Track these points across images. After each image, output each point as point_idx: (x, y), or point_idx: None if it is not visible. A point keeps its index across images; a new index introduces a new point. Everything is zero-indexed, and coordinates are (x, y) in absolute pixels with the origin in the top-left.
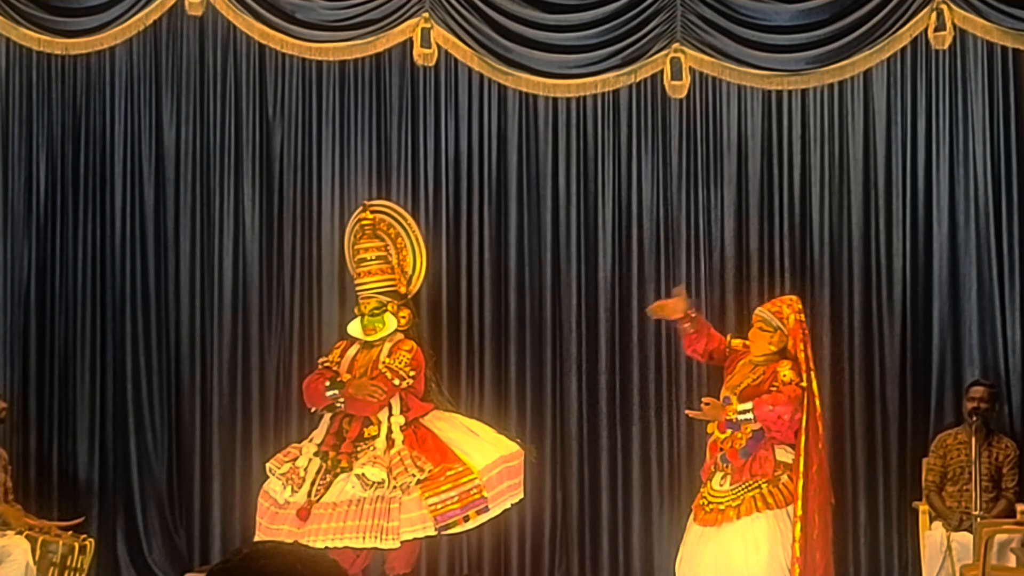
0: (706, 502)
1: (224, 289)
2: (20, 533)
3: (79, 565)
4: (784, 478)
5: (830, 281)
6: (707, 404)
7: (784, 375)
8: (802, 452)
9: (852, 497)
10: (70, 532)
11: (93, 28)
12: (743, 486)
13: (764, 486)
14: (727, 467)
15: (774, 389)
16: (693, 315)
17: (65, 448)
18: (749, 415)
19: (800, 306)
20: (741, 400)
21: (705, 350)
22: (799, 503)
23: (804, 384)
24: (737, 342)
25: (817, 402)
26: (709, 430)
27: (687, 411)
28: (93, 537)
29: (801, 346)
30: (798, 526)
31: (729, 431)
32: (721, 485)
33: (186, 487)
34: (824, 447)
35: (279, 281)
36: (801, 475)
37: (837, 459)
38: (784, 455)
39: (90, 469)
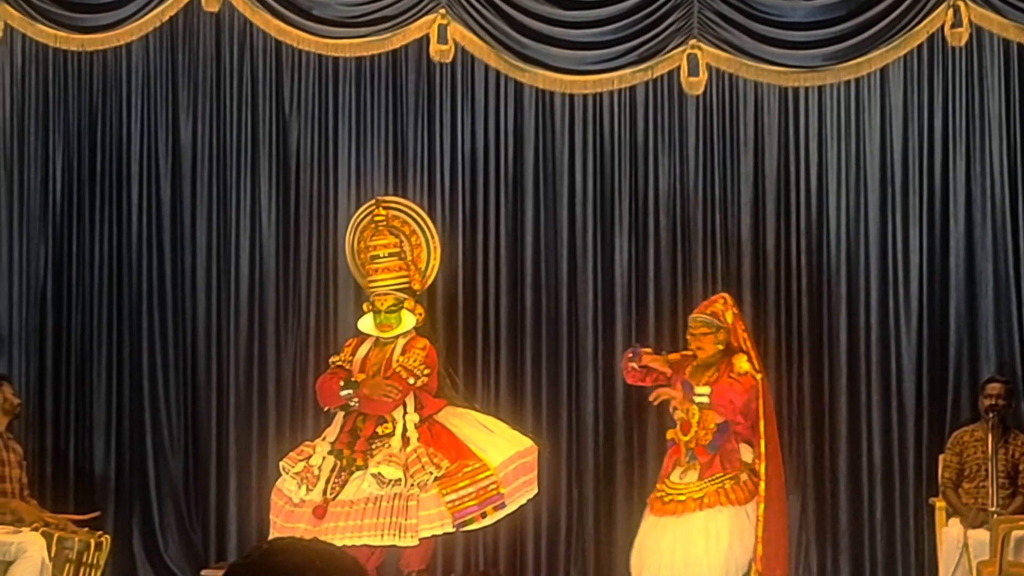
0: (664, 494)
1: (240, 286)
2: (36, 530)
3: (95, 561)
4: (744, 476)
5: (846, 278)
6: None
7: (741, 366)
8: (762, 449)
9: (869, 493)
10: (86, 528)
11: (109, 24)
12: (709, 480)
13: (728, 482)
14: (694, 463)
15: (732, 378)
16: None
17: (81, 445)
18: (705, 399)
19: (733, 301)
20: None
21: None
22: (762, 506)
23: (760, 375)
24: (674, 356)
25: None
26: (669, 436)
27: (658, 392)
28: (109, 533)
29: (744, 336)
30: (760, 525)
31: (692, 432)
32: (682, 478)
33: (202, 483)
34: (775, 446)
35: (295, 278)
36: (762, 476)
37: (854, 455)
38: (745, 454)
39: (106, 466)
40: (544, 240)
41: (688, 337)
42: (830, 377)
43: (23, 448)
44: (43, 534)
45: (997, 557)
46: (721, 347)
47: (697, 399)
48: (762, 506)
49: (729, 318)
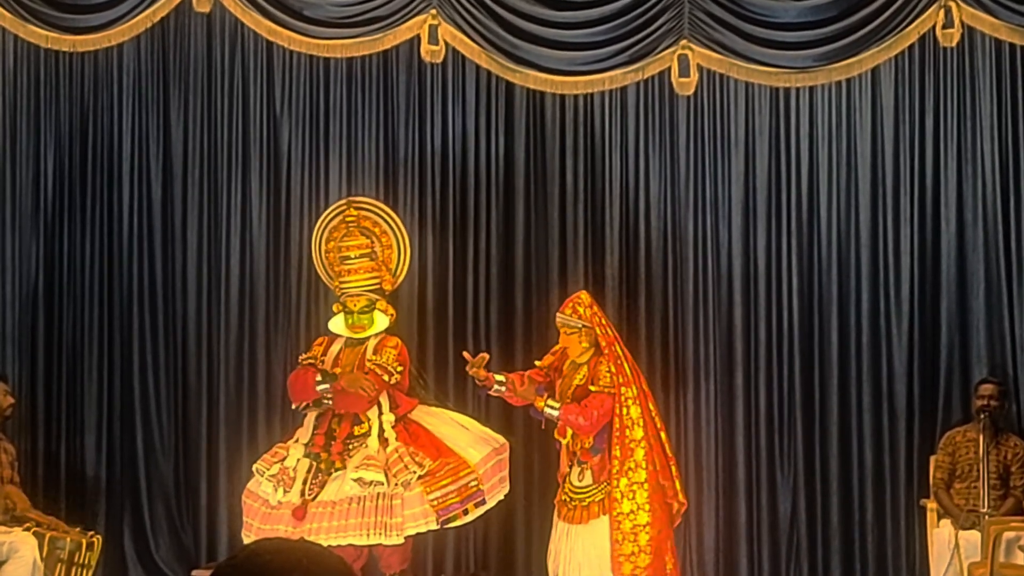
0: (568, 498)
1: (231, 286)
2: (28, 530)
3: (86, 561)
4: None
5: (838, 279)
6: (521, 385)
7: (601, 379)
8: (610, 455)
9: (860, 494)
10: (78, 528)
11: (101, 25)
12: (606, 483)
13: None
14: (584, 466)
15: (592, 390)
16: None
17: (73, 444)
18: (555, 412)
19: (590, 299)
20: (574, 399)
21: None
22: (615, 525)
23: (613, 390)
24: (549, 358)
25: (636, 385)
26: (557, 436)
27: (494, 378)
28: (100, 533)
29: (599, 331)
30: (615, 547)
31: (569, 435)
32: (580, 480)
33: (193, 484)
34: (653, 444)
35: (286, 278)
36: (616, 496)
37: (845, 456)
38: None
39: (97, 465)
40: (535, 240)
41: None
42: (821, 378)
43: (16, 448)
44: (35, 534)
45: (988, 558)
46: (586, 345)
47: (548, 410)
48: (616, 515)
49: (588, 315)
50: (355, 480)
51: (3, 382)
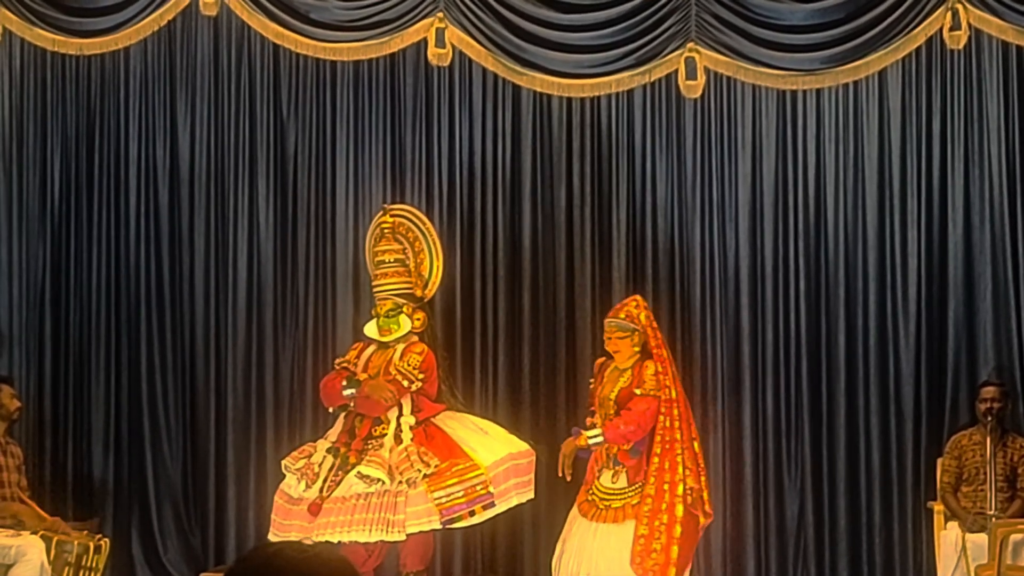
0: (598, 498)
1: (238, 289)
2: (35, 533)
3: (94, 565)
4: None
5: (845, 281)
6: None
7: (646, 382)
8: (655, 463)
9: (867, 497)
10: (85, 532)
11: (108, 28)
12: (642, 484)
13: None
14: (620, 468)
15: (637, 393)
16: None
17: (80, 448)
18: (599, 439)
19: (645, 303)
20: (618, 402)
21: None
22: (643, 520)
23: (661, 394)
24: (593, 383)
25: (676, 396)
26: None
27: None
28: (108, 537)
29: (654, 342)
30: (640, 543)
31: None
32: (614, 482)
33: (201, 487)
34: (687, 449)
35: (293, 281)
36: (650, 492)
37: (852, 459)
38: None
39: (105, 469)
40: (542, 243)
41: (604, 340)
42: (828, 380)
43: (23, 451)
44: (42, 537)
45: (995, 561)
46: (637, 349)
47: (592, 442)
48: (641, 532)
49: (643, 319)
50: (358, 477)
51: (10, 385)
